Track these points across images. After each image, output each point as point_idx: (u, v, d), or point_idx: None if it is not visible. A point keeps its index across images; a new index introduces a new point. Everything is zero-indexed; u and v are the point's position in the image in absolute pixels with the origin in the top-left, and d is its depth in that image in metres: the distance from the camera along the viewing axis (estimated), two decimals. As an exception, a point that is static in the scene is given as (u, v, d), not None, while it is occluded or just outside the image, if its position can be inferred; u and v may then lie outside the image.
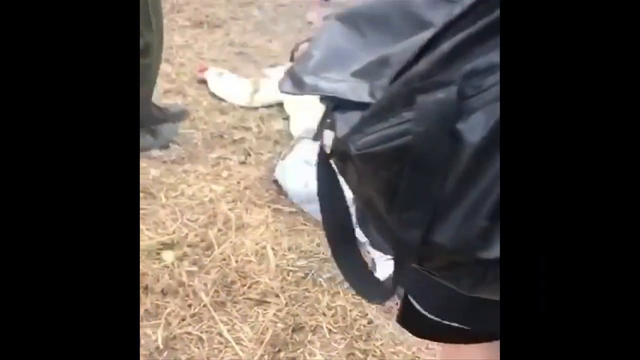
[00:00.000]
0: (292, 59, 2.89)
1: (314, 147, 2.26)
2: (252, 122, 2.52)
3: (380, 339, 1.61)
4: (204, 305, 1.65)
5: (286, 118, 2.54)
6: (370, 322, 1.65)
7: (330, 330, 1.62)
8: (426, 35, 0.67)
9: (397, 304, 1.26)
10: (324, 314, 1.66)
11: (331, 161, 0.82)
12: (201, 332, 1.59)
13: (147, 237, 1.83)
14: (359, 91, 0.70)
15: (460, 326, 0.97)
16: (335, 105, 0.73)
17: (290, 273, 1.78)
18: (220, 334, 1.59)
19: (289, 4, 3.73)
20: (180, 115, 2.38)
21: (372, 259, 1.77)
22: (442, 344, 1.18)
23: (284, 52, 3.11)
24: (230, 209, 2.00)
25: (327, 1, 3.54)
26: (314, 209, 1.93)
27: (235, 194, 2.08)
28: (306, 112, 2.43)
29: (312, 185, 2.03)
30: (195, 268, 1.76)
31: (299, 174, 2.00)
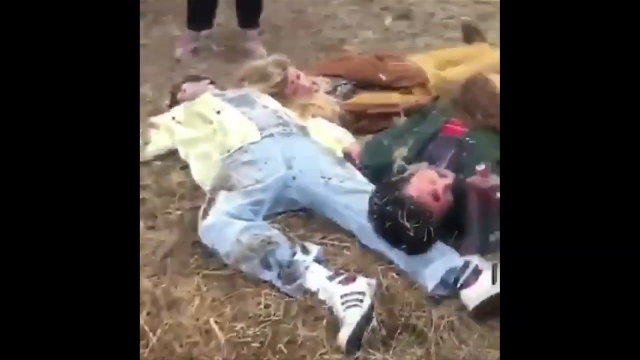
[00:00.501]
0: (173, 102, 2.66)
1: (233, 196, 2.08)
2: (148, 178, 2.26)
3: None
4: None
5: (184, 167, 2.32)
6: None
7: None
8: None
9: None
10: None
11: None
12: None
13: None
14: None
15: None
16: None
17: (245, 346, 1.58)
18: None
19: (150, 44, 3.47)
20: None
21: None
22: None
23: (160, 96, 2.87)
24: (154, 285, 1.75)
25: (197, 33, 3.33)
26: (251, 266, 1.75)
27: (154, 266, 1.83)
28: (205, 159, 2.23)
29: (246, 239, 1.86)
30: (134, 366, 1.49)
31: (227, 230, 1.79)
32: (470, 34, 3.20)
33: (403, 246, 1.75)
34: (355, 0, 4.26)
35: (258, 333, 1.61)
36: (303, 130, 2.27)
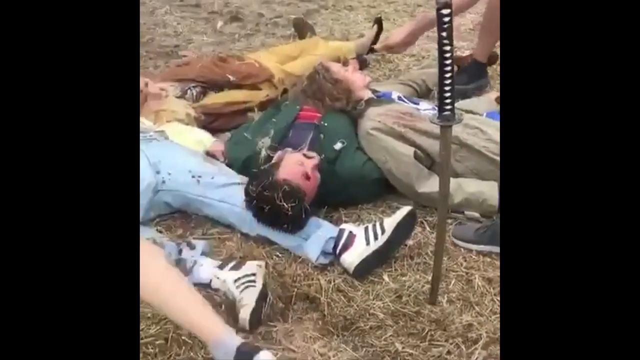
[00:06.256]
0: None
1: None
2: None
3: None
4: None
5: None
6: None
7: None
8: None
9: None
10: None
11: None
12: None
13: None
14: None
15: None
16: None
17: (149, 345, 1.61)
18: None
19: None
20: None
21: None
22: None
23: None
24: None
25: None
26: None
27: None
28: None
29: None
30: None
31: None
32: (303, 29, 3.42)
33: (284, 226, 1.89)
34: (181, 7, 4.31)
35: (160, 330, 1.65)
36: (162, 135, 2.30)
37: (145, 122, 2.37)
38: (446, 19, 1.31)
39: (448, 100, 1.39)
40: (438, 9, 1.30)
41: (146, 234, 1.86)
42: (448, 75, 1.35)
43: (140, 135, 2.19)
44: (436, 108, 2.38)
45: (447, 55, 1.33)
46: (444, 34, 1.32)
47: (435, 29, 1.34)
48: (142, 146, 2.14)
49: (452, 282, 1.80)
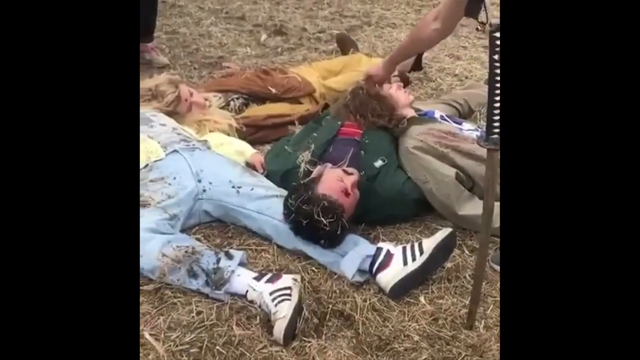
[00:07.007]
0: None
1: (149, 212, 2.11)
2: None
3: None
4: None
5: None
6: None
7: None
8: None
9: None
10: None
11: None
12: None
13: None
14: None
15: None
16: None
17: (183, 353, 1.62)
18: None
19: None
20: None
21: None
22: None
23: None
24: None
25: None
26: (178, 277, 1.79)
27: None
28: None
29: (170, 251, 1.89)
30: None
31: (149, 245, 1.81)
32: (345, 45, 3.44)
33: (321, 241, 1.88)
34: (227, 19, 4.38)
35: (195, 339, 1.66)
36: (205, 145, 2.33)
37: (188, 131, 2.40)
38: (498, 42, 1.29)
39: (497, 124, 1.37)
40: (491, 32, 1.29)
41: (188, 241, 1.88)
42: (498, 98, 1.34)
43: (184, 144, 2.23)
44: (479, 129, 2.38)
45: (498, 77, 1.32)
46: (496, 57, 1.31)
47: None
48: (185, 154, 2.17)
49: (490, 307, 1.76)
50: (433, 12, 2.08)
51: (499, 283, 1.85)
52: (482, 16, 1.48)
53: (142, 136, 2.25)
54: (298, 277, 1.80)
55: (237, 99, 2.75)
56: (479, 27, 1.54)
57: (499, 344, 1.62)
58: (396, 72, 3.10)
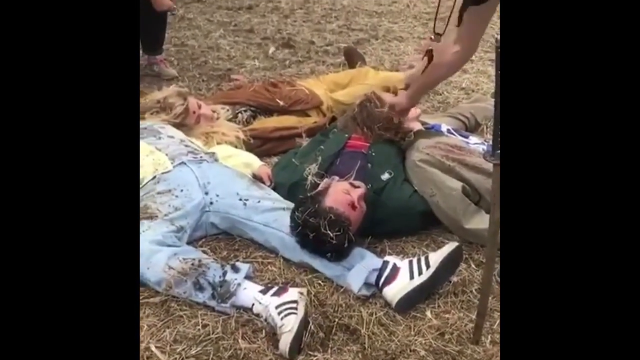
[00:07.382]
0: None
1: (156, 225, 2.11)
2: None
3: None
4: None
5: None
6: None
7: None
8: None
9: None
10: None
11: None
12: None
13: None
14: None
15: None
16: None
17: (189, 366, 1.62)
18: None
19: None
20: None
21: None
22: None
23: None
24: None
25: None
26: (184, 290, 1.79)
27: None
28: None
29: (177, 264, 1.90)
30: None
31: (155, 258, 1.82)
32: (353, 58, 3.45)
33: (327, 254, 1.88)
34: (235, 32, 4.41)
35: (200, 352, 1.66)
36: (213, 157, 2.34)
37: (196, 143, 2.42)
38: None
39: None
40: (497, 48, 1.29)
41: (194, 254, 1.88)
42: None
43: (192, 156, 2.24)
44: (485, 143, 2.38)
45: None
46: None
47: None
48: (193, 167, 2.18)
49: (497, 322, 1.75)
50: (451, 36, 2.00)
51: (506, 298, 1.84)
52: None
53: (150, 148, 2.26)
54: (304, 290, 1.79)
55: (245, 111, 2.76)
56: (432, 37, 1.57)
57: None
58: (404, 85, 3.12)
